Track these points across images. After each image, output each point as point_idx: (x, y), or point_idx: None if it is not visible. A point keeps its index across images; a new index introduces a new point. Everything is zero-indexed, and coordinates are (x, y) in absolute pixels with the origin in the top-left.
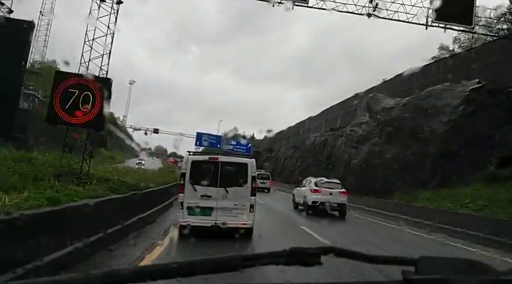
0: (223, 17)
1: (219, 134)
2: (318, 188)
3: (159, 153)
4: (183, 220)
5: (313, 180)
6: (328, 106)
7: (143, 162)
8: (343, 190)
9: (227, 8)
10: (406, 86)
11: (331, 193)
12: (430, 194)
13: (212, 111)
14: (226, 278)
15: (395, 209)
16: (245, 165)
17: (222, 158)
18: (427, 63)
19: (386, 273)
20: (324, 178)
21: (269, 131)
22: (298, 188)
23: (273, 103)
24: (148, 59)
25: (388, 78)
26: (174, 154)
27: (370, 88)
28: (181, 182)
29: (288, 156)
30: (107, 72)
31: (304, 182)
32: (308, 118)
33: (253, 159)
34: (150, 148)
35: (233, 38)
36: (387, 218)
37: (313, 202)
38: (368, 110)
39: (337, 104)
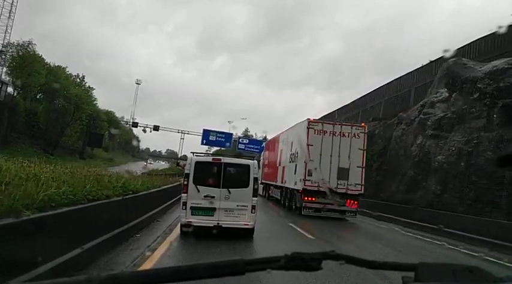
0: (249, 26)
1: (230, 132)
2: None
3: (168, 156)
4: (186, 220)
5: None
6: (363, 94)
7: None
8: None
9: (254, 18)
10: (498, 51)
11: None
12: None
13: (231, 116)
14: (227, 282)
15: None
16: (247, 166)
17: (225, 159)
18: None
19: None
20: None
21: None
22: None
23: (294, 110)
24: (175, 64)
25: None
26: (184, 157)
27: (439, 58)
28: (185, 182)
29: None
30: None
31: None
32: (338, 110)
33: (255, 161)
34: (160, 152)
35: (259, 46)
36: None
37: None
38: (452, 81)
39: (379, 88)
